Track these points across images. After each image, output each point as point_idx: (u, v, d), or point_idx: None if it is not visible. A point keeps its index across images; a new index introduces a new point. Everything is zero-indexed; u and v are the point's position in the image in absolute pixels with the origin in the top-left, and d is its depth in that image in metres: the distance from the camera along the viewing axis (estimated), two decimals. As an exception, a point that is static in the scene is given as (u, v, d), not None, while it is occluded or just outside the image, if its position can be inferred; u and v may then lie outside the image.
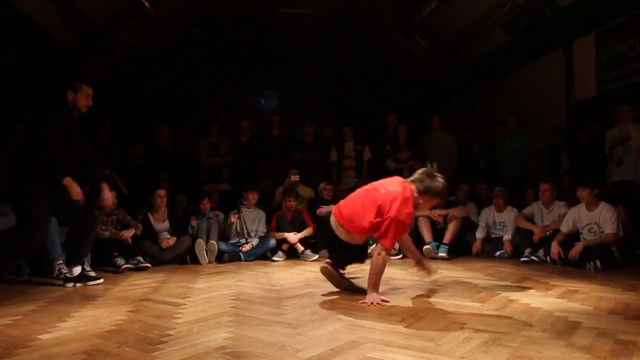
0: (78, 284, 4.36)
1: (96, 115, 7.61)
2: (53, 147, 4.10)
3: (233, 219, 6.33)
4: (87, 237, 4.46)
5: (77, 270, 4.41)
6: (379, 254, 3.53)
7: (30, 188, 4.06)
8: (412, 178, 3.75)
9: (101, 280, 4.54)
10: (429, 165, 3.95)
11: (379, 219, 3.55)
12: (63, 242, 4.75)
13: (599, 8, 6.76)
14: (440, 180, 3.69)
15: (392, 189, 3.63)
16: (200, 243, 5.93)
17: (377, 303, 3.36)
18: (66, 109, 4.30)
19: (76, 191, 4.21)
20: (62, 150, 4.17)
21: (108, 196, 4.56)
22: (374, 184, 3.82)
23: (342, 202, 3.87)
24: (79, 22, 7.54)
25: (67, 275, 4.40)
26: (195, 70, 12.46)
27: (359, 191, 3.89)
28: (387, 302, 3.42)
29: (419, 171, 3.78)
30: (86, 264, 4.79)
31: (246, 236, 6.33)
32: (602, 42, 7.17)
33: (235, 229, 6.40)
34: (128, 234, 5.55)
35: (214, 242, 6.02)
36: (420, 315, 3.05)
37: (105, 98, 9.48)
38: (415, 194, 3.65)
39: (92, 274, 4.61)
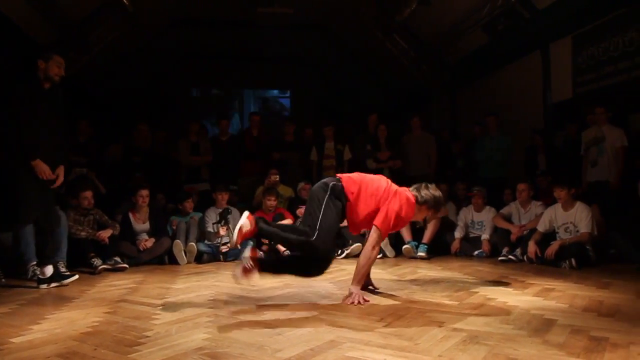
0: (53, 284, 4.28)
1: (72, 114, 7.50)
2: (22, 120, 3.98)
3: (222, 231, 6.10)
4: (52, 237, 4.35)
5: (48, 270, 4.31)
6: (373, 247, 3.49)
7: (14, 166, 3.97)
8: (410, 189, 3.74)
9: (76, 277, 4.46)
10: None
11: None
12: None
13: (575, 12, 6.88)
14: (438, 193, 3.74)
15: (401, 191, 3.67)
16: (178, 244, 5.88)
17: (359, 302, 3.36)
18: (35, 80, 4.18)
19: (42, 169, 4.09)
20: (33, 122, 4.05)
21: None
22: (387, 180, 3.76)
23: (357, 180, 3.65)
24: (55, 18, 7.40)
25: (40, 276, 4.30)
26: (174, 69, 12.36)
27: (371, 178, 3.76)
28: (367, 301, 3.42)
29: (416, 185, 3.79)
30: (61, 264, 4.73)
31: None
32: (577, 45, 7.30)
33: (213, 230, 6.32)
34: (105, 234, 5.46)
35: (193, 243, 5.96)
36: (399, 314, 3.06)
37: (81, 96, 9.37)
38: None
39: (67, 273, 4.53)
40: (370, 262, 3.56)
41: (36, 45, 7.71)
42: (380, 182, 3.68)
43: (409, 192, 3.67)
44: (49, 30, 7.58)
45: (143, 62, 11.07)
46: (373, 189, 3.60)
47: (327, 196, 3.48)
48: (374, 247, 3.50)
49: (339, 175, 3.72)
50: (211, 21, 10.77)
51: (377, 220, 3.51)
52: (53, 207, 4.40)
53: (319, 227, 3.39)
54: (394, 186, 3.70)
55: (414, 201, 3.62)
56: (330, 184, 3.55)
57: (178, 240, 5.89)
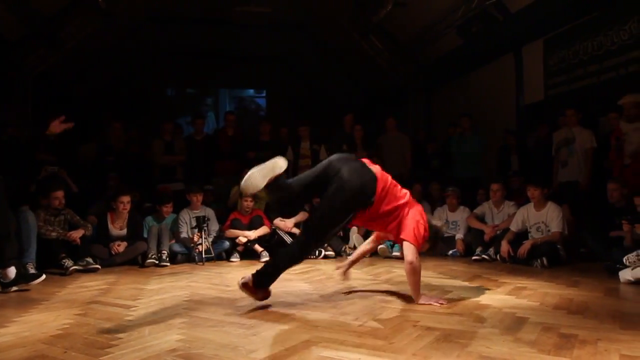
0: (14, 288, 4.09)
1: (43, 111, 7.35)
2: None
3: (196, 237, 5.93)
4: (6, 240, 4.18)
5: (11, 272, 4.11)
6: (411, 261, 3.29)
7: None
8: None
9: (43, 277, 4.34)
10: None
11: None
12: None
13: (547, 16, 7.02)
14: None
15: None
16: (151, 250, 5.77)
17: (439, 303, 3.27)
18: None
19: None
20: None
21: None
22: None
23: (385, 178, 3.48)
24: (24, 13, 7.24)
25: (2, 280, 4.12)
26: (149, 67, 12.20)
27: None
28: (443, 303, 3.31)
29: None
30: (30, 265, 4.62)
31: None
32: (549, 49, 7.45)
33: (188, 235, 6.21)
34: (77, 234, 5.35)
35: (166, 251, 5.80)
36: (373, 313, 3.08)
37: (52, 93, 9.19)
38: None
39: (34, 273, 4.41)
40: (417, 274, 3.36)
41: (5, 41, 7.54)
42: (398, 185, 3.56)
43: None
44: (18, 26, 7.41)
45: (117, 60, 10.90)
46: (397, 191, 3.46)
47: (351, 201, 3.25)
48: (412, 262, 3.30)
49: (371, 164, 3.48)
50: (187, 19, 10.66)
51: (408, 236, 3.32)
52: (4, 211, 4.19)
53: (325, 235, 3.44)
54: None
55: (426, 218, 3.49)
56: (367, 187, 3.29)
57: (151, 247, 5.77)
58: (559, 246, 5.33)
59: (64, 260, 5.10)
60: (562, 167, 6.34)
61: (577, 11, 6.71)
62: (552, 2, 6.77)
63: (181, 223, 6.25)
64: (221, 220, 6.50)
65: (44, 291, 4.12)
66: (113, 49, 10.49)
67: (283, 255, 3.48)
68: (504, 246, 5.48)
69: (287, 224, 6.36)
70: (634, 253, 4.08)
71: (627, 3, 6.10)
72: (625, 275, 4.11)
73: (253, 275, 3.27)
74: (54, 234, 5.27)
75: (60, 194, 5.44)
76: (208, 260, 5.86)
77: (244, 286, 3.27)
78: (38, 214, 5.25)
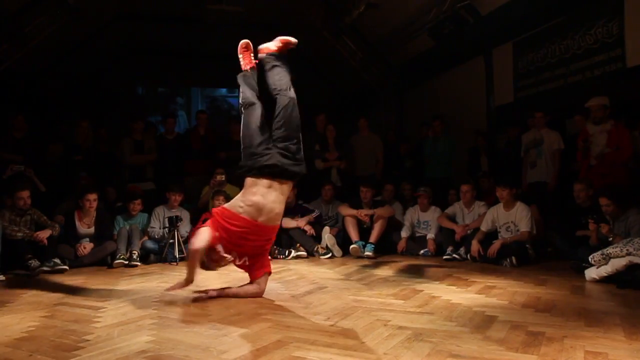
0: None
1: (8, 109, 7.14)
2: None
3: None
4: None
5: None
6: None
7: None
8: None
9: (1, 278, 4.23)
10: None
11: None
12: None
13: (516, 19, 7.14)
14: None
15: None
16: (120, 250, 5.67)
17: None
18: None
19: None
20: None
21: None
22: None
23: None
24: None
25: None
26: (119, 64, 11.97)
27: None
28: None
29: None
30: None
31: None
32: (518, 51, 7.59)
33: (158, 235, 6.15)
34: (43, 234, 5.22)
35: (137, 252, 5.72)
36: (345, 313, 3.09)
37: (18, 90, 8.95)
38: None
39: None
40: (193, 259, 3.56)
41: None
42: None
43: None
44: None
45: (86, 58, 10.66)
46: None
47: None
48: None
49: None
50: (158, 17, 10.50)
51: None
52: None
53: None
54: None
55: None
56: None
57: (120, 248, 5.68)
58: (527, 245, 5.43)
59: (30, 261, 4.98)
60: (531, 168, 6.46)
61: (545, 15, 6.85)
62: (522, 5, 6.88)
63: (154, 218, 6.21)
64: (192, 220, 6.42)
65: (9, 293, 4.01)
66: (81, 46, 10.26)
67: None
68: (474, 246, 5.55)
69: None
70: (599, 252, 4.18)
71: (593, 8, 6.26)
72: (591, 273, 4.22)
73: None
74: (19, 234, 5.14)
75: (25, 194, 5.30)
76: (182, 260, 5.79)
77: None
78: (3, 214, 5.12)
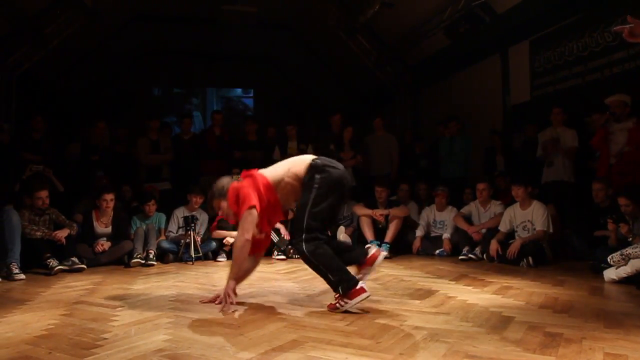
0: None
1: (27, 110, 7.26)
2: None
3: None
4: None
5: None
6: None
7: None
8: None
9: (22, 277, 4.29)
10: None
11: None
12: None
13: (532, 17, 7.08)
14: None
15: None
16: (137, 250, 5.72)
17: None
18: None
19: None
20: None
21: None
22: None
23: None
24: (8, 10, 7.13)
25: None
26: (135, 65, 12.11)
27: None
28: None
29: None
30: (14, 265, 4.58)
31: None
32: (534, 50, 7.52)
33: (178, 231, 6.20)
34: (62, 234, 5.28)
35: (153, 251, 5.75)
36: (360, 313, 3.07)
37: (37, 92, 9.09)
38: None
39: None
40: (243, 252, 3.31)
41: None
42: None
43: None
44: (2, 23, 7.31)
45: (103, 59, 10.80)
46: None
47: None
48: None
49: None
50: (174, 18, 10.60)
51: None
52: None
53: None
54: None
55: None
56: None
57: (137, 247, 5.73)
58: (544, 245, 5.38)
59: (49, 260, 5.03)
60: (548, 166, 6.40)
61: (562, 13, 6.78)
62: (538, 3, 6.83)
63: (172, 221, 6.28)
64: (209, 220, 6.47)
65: (28, 291, 4.07)
66: (99, 47, 10.40)
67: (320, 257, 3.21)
68: (494, 245, 5.51)
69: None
70: (618, 252, 4.13)
71: (611, 5, 6.17)
72: (610, 274, 4.16)
73: (335, 289, 3.14)
74: (38, 233, 5.20)
75: (43, 193, 5.37)
76: (197, 259, 5.84)
77: (335, 307, 3.12)
78: (22, 214, 5.18)
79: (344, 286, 3.09)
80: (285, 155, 7.66)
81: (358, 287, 3.08)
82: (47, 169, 6.25)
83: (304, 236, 3.15)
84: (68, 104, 10.37)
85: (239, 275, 3.51)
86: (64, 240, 5.25)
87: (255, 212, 3.22)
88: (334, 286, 3.13)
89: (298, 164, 3.37)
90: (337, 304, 3.09)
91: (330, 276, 3.15)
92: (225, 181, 3.53)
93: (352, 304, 3.06)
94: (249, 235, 3.22)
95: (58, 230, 5.33)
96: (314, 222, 3.17)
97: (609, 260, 4.20)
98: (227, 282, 3.38)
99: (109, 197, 5.79)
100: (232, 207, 3.36)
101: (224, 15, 8.90)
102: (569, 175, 6.22)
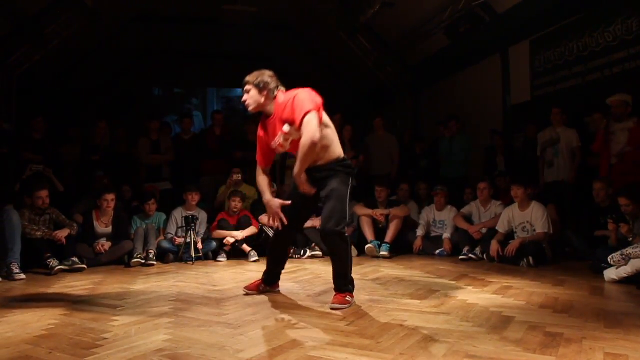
0: None
1: (27, 110, 7.26)
2: None
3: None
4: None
5: None
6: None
7: None
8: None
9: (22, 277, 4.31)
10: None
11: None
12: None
13: (533, 17, 7.08)
14: None
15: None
16: (137, 250, 5.72)
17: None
18: None
19: None
20: None
21: None
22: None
23: None
24: (9, 11, 7.14)
25: None
26: (135, 65, 12.10)
27: None
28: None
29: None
30: (14, 265, 4.58)
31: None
32: (535, 50, 7.51)
33: (177, 231, 6.19)
34: (62, 234, 5.28)
35: (153, 251, 5.74)
36: (361, 313, 3.08)
37: (37, 92, 9.08)
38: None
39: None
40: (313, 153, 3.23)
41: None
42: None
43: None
44: (3, 23, 7.31)
45: (103, 59, 10.80)
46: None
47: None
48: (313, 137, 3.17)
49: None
50: (174, 18, 10.60)
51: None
52: None
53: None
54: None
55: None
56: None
57: (137, 247, 5.72)
58: (544, 245, 5.37)
59: (49, 260, 5.03)
60: (548, 167, 6.39)
61: (562, 12, 6.77)
62: (538, 3, 6.83)
63: (171, 221, 6.23)
64: (208, 220, 6.46)
65: (29, 291, 4.07)
66: (99, 47, 10.40)
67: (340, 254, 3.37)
68: (494, 245, 5.50)
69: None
70: (619, 252, 4.12)
71: (611, 5, 6.17)
72: (610, 274, 4.16)
73: (338, 291, 3.35)
74: (39, 233, 5.20)
75: (43, 193, 5.37)
76: (198, 259, 5.84)
77: (336, 306, 3.23)
78: (23, 214, 5.18)
79: (352, 286, 3.41)
80: (285, 155, 7.67)
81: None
82: (47, 168, 6.25)
83: (345, 228, 3.27)
84: (68, 104, 10.37)
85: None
86: (64, 240, 5.25)
87: (316, 115, 3.20)
88: (348, 283, 3.37)
89: (337, 143, 3.48)
90: (347, 298, 3.29)
91: (349, 272, 3.39)
92: (271, 79, 3.50)
93: (354, 303, 3.32)
94: (316, 138, 3.15)
95: (58, 230, 5.32)
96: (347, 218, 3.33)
97: (609, 260, 4.20)
98: (298, 177, 3.25)
99: (110, 197, 5.78)
100: (284, 113, 3.33)
101: (224, 15, 8.91)
102: (569, 176, 6.22)
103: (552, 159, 6.35)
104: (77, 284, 4.40)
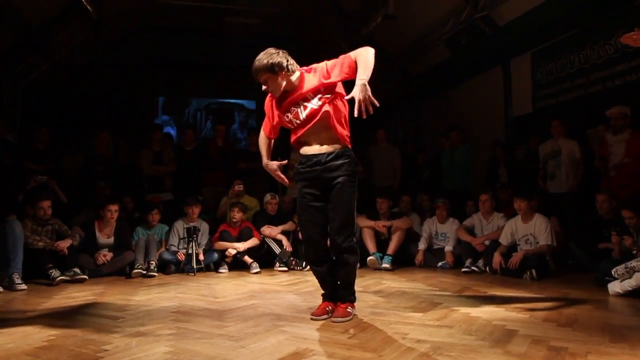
0: None
1: (31, 121, 7.29)
2: None
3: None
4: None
5: None
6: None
7: None
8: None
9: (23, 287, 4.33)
10: None
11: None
12: None
13: (534, 29, 7.11)
14: None
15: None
16: (138, 260, 5.71)
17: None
18: None
19: None
20: None
21: None
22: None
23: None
24: (15, 22, 7.20)
25: None
26: (138, 76, 12.15)
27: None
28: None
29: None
30: (16, 275, 4.58)
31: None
32: (536, 62, 7.54)
33: (177, 248, 6.18)
34: (64, 244, 5.28)
35: (154, 262, 5.74)
36: (363, 326, 3.06)
37: (41, 102, 9.13)
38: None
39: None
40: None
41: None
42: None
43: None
44: (8, 34, 7.36)
45: (107, 68, 10.86)
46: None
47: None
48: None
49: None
50: (177, 30, 10.68)
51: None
52: None
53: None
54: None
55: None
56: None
57: (138, 258, 5.72)
58: (548, 258, 5.35)
59: (50, 271, 5.03)
60: (550, 179, 6.38)
61: (564, 25, 6.80)
62: (540, 15, 6.85)
63: (173, 233, 6.22)
64: (210, 231, 6.46)
65: (30, 302, 4.06)
66: (103, 58, 10.46)
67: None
68: (497, 258, 5.48)
69: (272, 232, 6.35)
70: (622, 265, 4.10)
71: (613, 17, 6.19)
72: (614, 287, 4.13)
73: (341, 301, 3.32)
74: (41, 243, 5.20)
75: (45, 204, 5.37)
76: (199, 270, 5.83)
77: (339, 320, 3.18)
78: (25, 224, 5.19)
79: (354, 296, 3.40)
80: (287, 166, 7.66)
81: None
82: (51, 180, 6.26)
83: (354, 239, 3.26)
84: (71, 115, 10.41)
85: None
86: (66, 250, 5.25)
87: None
88: (351, 293, 3.36)
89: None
90: (349, 309, 3.27)
91: (354, 284, 3.37)
92: (281, 57, 3.38)
93: (355, 313, 3.33)
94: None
95: (60, 241, 5.32)
96: None
97: (613, 273, 4.17)
98: (362, 83, 3.30)
99: (114, 207, 5.79)
100: (317, 78, 3.43)
101: (227, 27, 8.97)
102: (571, 186, 6.20)
103: (554, 171, 6.33)
104: (79, 295, 4.39)
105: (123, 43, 10.66)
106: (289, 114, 3.33)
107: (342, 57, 3.36)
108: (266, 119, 3.53)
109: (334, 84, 3.31)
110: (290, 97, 3.32)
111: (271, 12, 8.98)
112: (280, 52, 3.32)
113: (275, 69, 3.24)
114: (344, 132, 3.40)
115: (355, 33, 8.98)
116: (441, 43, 8.40)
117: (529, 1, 6.80)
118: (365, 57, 3.27)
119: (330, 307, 3.32)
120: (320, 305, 3.37)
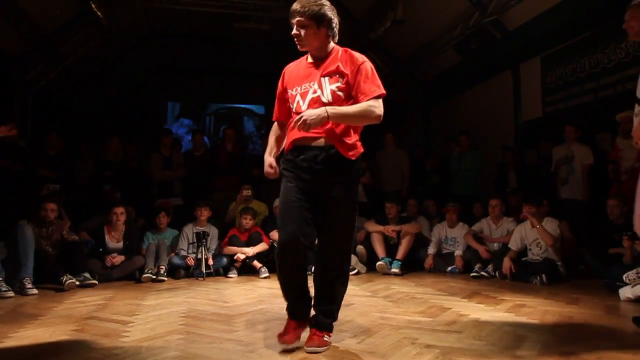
0: None
1: (42, 127, 7.35)
2: None
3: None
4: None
5: None
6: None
7: None
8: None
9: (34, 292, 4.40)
10: None
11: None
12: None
13: (544, 34, 7.08)
14: None
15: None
16: (148, 265, 5.73)
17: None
18: None
19: None
20: None
21: None
22: None
23: None
24: (26, 28, 7.28)
25: None
26: (148, 82, 12.25)
27: None
28: None
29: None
30: (27, 280, 4.61)
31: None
32: (546, 66, 7.51)
33: (187, 252, 6.20)
34: (71, 236, 5.36)
35: (164, 267, 5.76)
36: (372, 331, 3.06)
37: (51, 108, 9.22)
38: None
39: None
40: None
41: (6, 56, 7.57)
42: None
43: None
44: (19, 41, 7.45)
45: (117, 74, 10.95)
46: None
47: None
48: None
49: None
50: (187, 35, 10.75)
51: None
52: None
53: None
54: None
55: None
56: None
57: (148, 263, 5.74)
58: (558, 263, 5.31)
59: (61, 276, 5.05)
60: (563, 184, 6.34)
61: (574, 29, 6.77)
62: (550, 19, 6.83)
63: (182, 238, 6.24)
64: (219, 236, 6.47)
65: (40, 306, 4.08)
66: (113, 64, 10.55)
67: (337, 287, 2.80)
68: (507, 263, 5.45)
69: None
70: (634, 271, 4.07)
71: (623, 21, 6.15)
72: (626, 293, 4.10)
73: (318, 328, 2.71)
74: (50, 248, 5.24)
75: (50, 206, 5.41)
76: (208, 275, 5.84)
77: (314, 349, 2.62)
78: (34, 229, 5.22)
79: (333, 325, 2.82)
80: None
81: None
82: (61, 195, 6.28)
83: (349, 267, 2.92)
84: (82, 120, 10.50)
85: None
86: (75, 237, 5.29)
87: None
88: (333, 321, 2.79)
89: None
90: (325, 338, 2.69)
91: (338, 309, 2.84)
92: (335, 16, 2.79)
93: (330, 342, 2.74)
94: (381, 118, 2.89)
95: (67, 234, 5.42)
96: None
97: (624, 278, 4.14)
98: (324, 112, 2.64)
99: (119, 210, 5.82)
100: (343, 65, 2.82)
101: (237, 33, 9.01)
102: (583, 193, 6.16)
103: (566, 177, 6.30)
104: (89, 299, 4.41)
105: (133, 49, 10.74)
106: (298, 88, 2.83)
107: (377, 82, 2.94)
108: (276, 101, 3.10)
109: (350, 86, 2.83)
110: (309, 69, 2.87)
111: (280, 17, 9.01)
112: (334, 9, 2.77)
113: (321, 21, 2.68)
114: (358, 142, 3.04)
115: (365, 37, 9.00)
116: (450, 47, 8.40)
117: (539, 5, 6.78)
118: (364, 109, 2.81)
119: (299, 330, 2.75)
120: (289, 325, 2.75)
